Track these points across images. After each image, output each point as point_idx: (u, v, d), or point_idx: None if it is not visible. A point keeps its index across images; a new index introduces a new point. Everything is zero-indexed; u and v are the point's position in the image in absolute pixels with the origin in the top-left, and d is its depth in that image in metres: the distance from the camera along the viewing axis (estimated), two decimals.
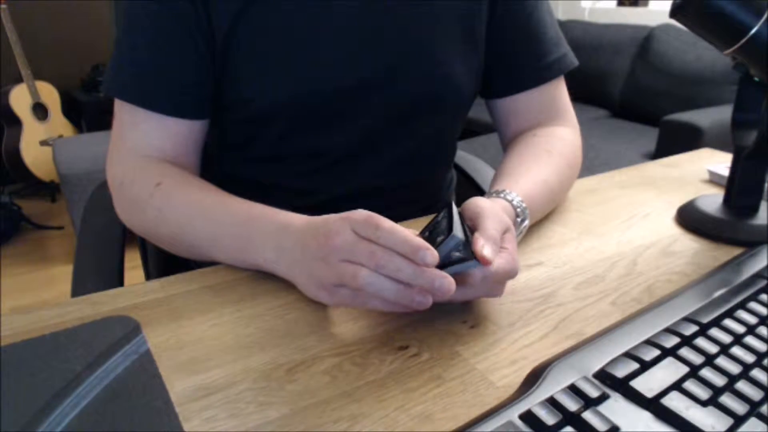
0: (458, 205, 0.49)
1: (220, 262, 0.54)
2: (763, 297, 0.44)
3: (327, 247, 0.42)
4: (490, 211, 0.47)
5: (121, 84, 0.60)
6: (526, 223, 0.56)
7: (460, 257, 0.43)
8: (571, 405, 0.32)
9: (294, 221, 0.48)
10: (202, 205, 0.55)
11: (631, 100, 2.74)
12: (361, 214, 0.42)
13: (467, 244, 0.43)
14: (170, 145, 0.61)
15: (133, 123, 0.61)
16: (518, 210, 0.54)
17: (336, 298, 0.43)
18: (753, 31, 0.49)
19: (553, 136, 0.69)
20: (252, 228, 0.51)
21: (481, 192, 0.92)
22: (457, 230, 0.42)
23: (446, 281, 0.40)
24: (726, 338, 0.39)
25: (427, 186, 0.77)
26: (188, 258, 0.59)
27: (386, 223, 0.41)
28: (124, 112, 0.61)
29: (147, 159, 0.60)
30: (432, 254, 0.40)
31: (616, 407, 0.33)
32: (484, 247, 0.42)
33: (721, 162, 0.82)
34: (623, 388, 0.34)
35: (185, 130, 0.61)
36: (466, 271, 0.43)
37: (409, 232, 0.41)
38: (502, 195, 0.55)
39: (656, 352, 0.37)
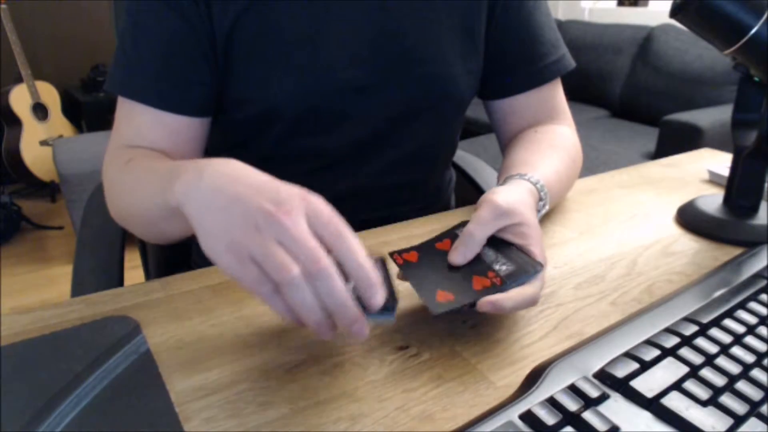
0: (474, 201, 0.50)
1: (167, 234, 0.52)
2: (763, 297, 0.44)
3: (271, 218, 0.35)
4: (526, 206, 0.48)
5: (119, 80, 0.60)
6: (548, 206, 0.56)
7: (520, 268, 0.43)
8: (571, 405, 0.32)
9: (230, 163, 0.41)
10: (152, 167, 0.51)
11: (631, 100, 2.74)
12: (323, 208, 0.37)
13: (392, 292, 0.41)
14: (164, 141, 0.60)
15: (129, 118, 0.61)
16: (542, 194, 0.55)
17: (241, 271, 0.36)
18: (753, 31, 0.49)
19: (554, 133, 0.69)
20: (179, 166, 0.44)
21: (481, 192, 0.92)
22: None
23: (365, 330, 0.36)
24: (726, 338, 0.39)
25: (426, 185, 0.77)
26: (151, 240, 0.58)
27: (350, 236, 0.36)
28: (122, 108, 0.61)
29: (132, 147, 0.60)
30: (380, 297, 0.36)
31: (616, 407, 0.33)
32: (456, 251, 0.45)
33: (721, 162, 0.82)
34: (623, 388, 0.34)
35: (182, 126, 0.61)
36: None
37: (367, 258, 0.36)
38: (526, 178, 0.55)
39: (656, 352, 0.37)
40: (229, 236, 0.36)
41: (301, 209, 0.36)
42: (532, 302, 0.43)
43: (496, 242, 0.46)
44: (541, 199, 0.55)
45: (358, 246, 0.36)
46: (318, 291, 0.35)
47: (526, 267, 0.43)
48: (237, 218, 0.37)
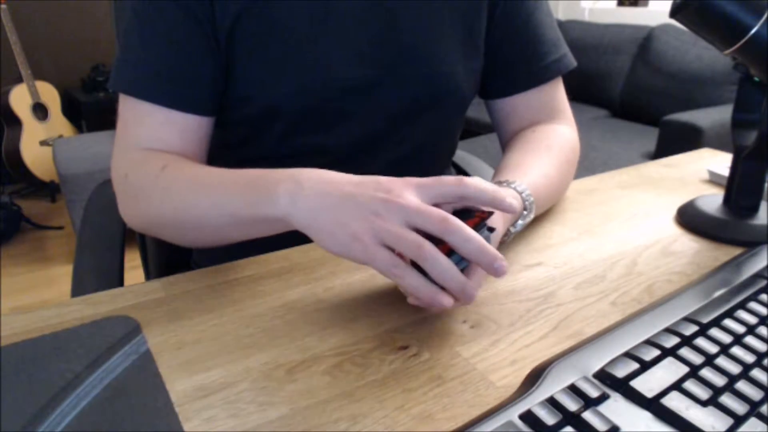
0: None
1: (227, 239, 0.53)
2: (763, 297, 0.44)
3: (389, 204, 0.40)
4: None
5: (127, 79, 0.60)
6: (532, 215, 0.56)
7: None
8: (571, 405, 0.32)
9: (318, 170, 0.45)
10: (208, 176, 0.52)
11: (631, 100, 2.74)
12: (418, 180, 0.42)
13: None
14: (177, 139, 0.60)
15: (138, 118, 0.60)
16: (526, 203, 0.55)
17: (371, 255, 0.40)
18: (753, 31, 0.49)
19: (552, 132, 0.69)
20: (265, 178, 0.47)
21: None
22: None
23: (505, 265, 0.40)
24: (726, 338, 0.39)
25: None
26: (193, 245, 0.58)
27: (454, 181, 0.42)
28: (129, 108, 0.60)
29: (152, 150, 0.59)
30: (503, 267, 0.40)
31: (616, 407, 0.33)
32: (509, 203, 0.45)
33: (721, 162, 0.82)
34: (623, 388, 0.34)
35: (193, 125, 0.61)
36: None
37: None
38: (513, 186, 0.55)
39: (656, 352, 0.37)
40: (351, 229, 0.40)
41: (407, 188, 0.41)
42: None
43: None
44: (525, 209, 0.55)
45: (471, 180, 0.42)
46: (456, 245, 0.39)
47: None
48: (353, 211, 0.41)
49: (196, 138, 0.62)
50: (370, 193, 0.41)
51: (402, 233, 0.39)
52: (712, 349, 0.37)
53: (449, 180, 0.42)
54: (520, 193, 0.54)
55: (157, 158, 0.57)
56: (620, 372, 0.35)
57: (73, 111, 2.95)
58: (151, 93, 0.59)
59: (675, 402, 0.33)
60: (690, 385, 0.34)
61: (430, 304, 0.41)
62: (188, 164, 0.56)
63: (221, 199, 0.50)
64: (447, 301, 0.40)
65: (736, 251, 0.57)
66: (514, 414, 0.32)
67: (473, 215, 0.44)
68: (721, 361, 0.36)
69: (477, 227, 0.43)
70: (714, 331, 0.39)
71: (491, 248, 0.40)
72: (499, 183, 0.56)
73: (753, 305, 0.43)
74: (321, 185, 0.43)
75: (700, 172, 0.82)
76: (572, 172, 0.69)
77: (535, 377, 0.36)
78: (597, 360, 0.37)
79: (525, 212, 0.55)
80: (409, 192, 0.41)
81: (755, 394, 0.34)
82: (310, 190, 0.43)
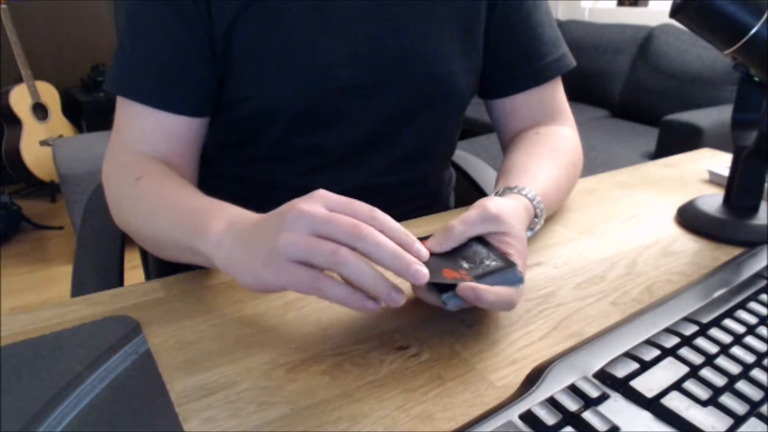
0: (468, 203, 0.50)
1: (178, 261, 0.53)
2: (763, 297, 0.44)
3: (292, 214, 0.38)
4: (517, 218, 0.48)
5: (120, 80, 0.60)
6: (542, 222, 0.56)
7: (500, 267, 0.43)
8: (571, 405, 0.32)
9: (249, 214, 0.45)
10: (170, 198, 0.53)
11: (631, 100, 2.74)
12: (335, 196, 0.39)
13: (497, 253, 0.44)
14: (165, 142, 0.60)
15: (130, 119, 0.61)
16: (537, 210, 0.54)
17: (286, 276, 0.37)
18: (753, 31, 0.49)
19: (556, 135, 0.69)
20: (202, 214, 0.47)
21: (481, 192, 0.92)
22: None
23: (423, 271, 0.37)
24: (726, 338, 0.39)
25: (425, 184, 0.77)
26: (156, 255, 0.59)
27: (369, 209, 0.39)
28: (123, 108, 0.61)
29: (137, 155, 0.60)
30: (424, 252, 0.39)
31: (616, 407, 0.33)
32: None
33: (721, 162, 0.82)
34: (623, 388, 0.34)
35: (183, 127, 0.61)
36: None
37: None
38: (524, 193, 0.54)
39: (656, 352, 0.37)
40: (260, 256, 0.39)
41: (317, 200, 0.39)
42: (508, 305, 0.42)
43: (486, 243, 0.46)
44: (536, 216, 0.54)
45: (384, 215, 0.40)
46: (367, 251, 0.37)
47: (508, 273, 0.43)
48: (260, 237, 0.40)
49: (185, 140, 0.62)
50: (277, 214, 0.39)
51: (311, 242, 0.37)
52: (712, 349, 0.37)
53: (361, 206, 0.39)
54: (531, 201, 0.54)
55: (136, 167, 0.58)
56: (620, 372, 0.35)
57: (73, 111, 2.95)
58: (140, 93, 0.59)
59: (675, 402, 0.33)
60: (690, 385, 0.34)
61: (361, 310, 0.39)
62: (162, 179, 0.56)
63: (169, 224, 0.51)
64: (374, 306, 0.38)
65: (736, 251, 0.57)
66: (514, 414, 0.32)
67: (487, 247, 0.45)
68: (721, 361, 0.36)
69: (504, 270, 0.43)
70: (714, 331, 0.39)
71: (406, 254, 0.38)
72: (509, 189, 0.55)
73: (753, 305, 0.43)
74: (240, 223, 0.43)
75: (700, 172, 0.82)
76: (577, 176, 0.69)
77: (535, 377, 0.36)
78: (597, 360, 0.37)
79: (536, 219, 0.54)
80: (317, 201, 0.39)
81: (755, 394, 0.34)
82: (232, 229, 0.43)
